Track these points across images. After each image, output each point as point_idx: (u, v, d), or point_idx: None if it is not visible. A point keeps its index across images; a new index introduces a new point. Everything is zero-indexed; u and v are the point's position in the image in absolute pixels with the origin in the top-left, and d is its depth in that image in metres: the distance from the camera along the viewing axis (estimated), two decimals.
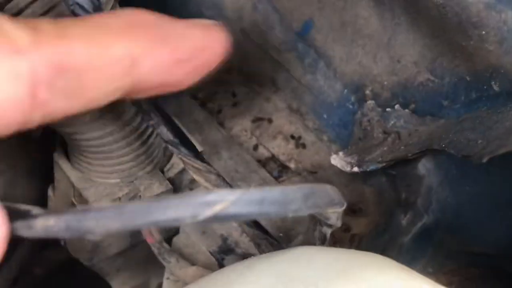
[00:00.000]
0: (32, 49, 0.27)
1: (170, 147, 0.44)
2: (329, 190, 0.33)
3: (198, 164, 0.44)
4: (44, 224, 0.27)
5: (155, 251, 0.55)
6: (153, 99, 0.38)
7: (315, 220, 0.44)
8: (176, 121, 0.61)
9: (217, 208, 0.26)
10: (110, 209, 0.26)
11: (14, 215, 0.27)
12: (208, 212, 0.26)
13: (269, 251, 0.48)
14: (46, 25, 0.28)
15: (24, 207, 0.28)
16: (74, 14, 0.38)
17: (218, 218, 0.26)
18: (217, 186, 0.45)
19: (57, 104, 0.29)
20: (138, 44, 0.31)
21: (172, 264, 0.55)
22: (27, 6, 0.43)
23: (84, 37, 0.29)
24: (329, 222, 0.40)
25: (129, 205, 0.26)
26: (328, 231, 0.43)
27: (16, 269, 0.79)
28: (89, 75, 0.29)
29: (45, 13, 0.44)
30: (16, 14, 0.44)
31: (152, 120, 0.44)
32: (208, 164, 0.45)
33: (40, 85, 0.27)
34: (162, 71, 0.32)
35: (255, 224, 0.46)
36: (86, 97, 0.30)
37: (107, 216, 0.26)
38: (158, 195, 0.54)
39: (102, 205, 0.27)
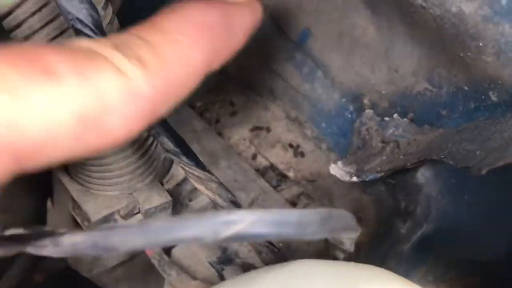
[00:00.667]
0: (147, 90, 0.33)
1: (171, 156, 0.44)
2: (345, 215, 0.33)
3: (199, 173, 0.44)
4: (71, 241, 0.27)
5: (155, 263, 0.55)
6: None
7: (328, 244, 0.44)
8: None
9: (237, 228, 0.27)
10: (135, 227, 0.27)
11: (40, 234, 0.28)
12: (228, 232, 0.27)
13: (270, 259, 0.48)
14: (147, 56, 0.34)
15: (48, 228, 0.29)
16: (74, 29, 0.38)
17: (237, 238, 0.27)
18: (219, 195, 0.45)
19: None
20: (212, 49, 0.37)
21: (172, 277, 0.54)
22: (25, 20, 0.43)
23: (177, 58, 0.35)
24: (342, 247, 0.40)
25: (153, 223, 0.27)
26: (340, 256, 0.44)
27: (17, 277, 0.79)
28: (183, 89, 0.36)
29: (44, 26, 0.44)
30: (16, 27, 0.44)
31: (153, 130, 0.44)
32: (209, 172, 0.44)
33: (155, 114, 0.34)
34: (225, 60, 0.39)
35: None
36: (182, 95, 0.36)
37: (132, 233, 0.27)
38: (157, 207, 0.54)
39: (126, 223, 0.28)
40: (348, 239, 0.38)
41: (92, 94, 0.31)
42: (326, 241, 0.53)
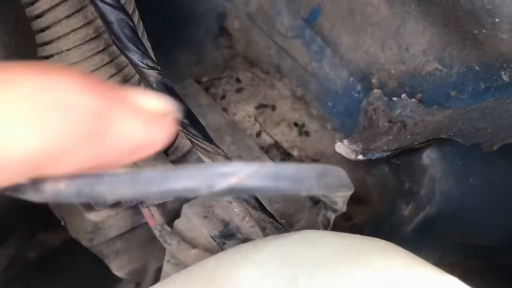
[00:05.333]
0: None
1: (179, 127, 0.44)
2: (340, 172, 0.33)
3: (206, 145, 0.45)
4: (54, 188, 0.25)
5: (156, 233, 0.55)
6: None
7: (319, 205, 0.44)
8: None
9: (232, 180, 0.26)
10: (124, 175, 0.25)
11: None
12: (223, 184, 0.25)
13: (273, 235, 0.48)
14: None
15: None
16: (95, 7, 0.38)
17: (233, 191, 0.26)
18: None
19: None
20: (64, 142, 0.23)
21: (173, 246, 0.54)
22: (50, 9, 0.43)
23: None
24: (335, 206, 0.40)
25: (144, 172, 0.25)
26: (332, 216, 0.43)
27: (10, 254, 0.79)
28: None
29: (70, 16, 0.44)
30: (38, 16, 0.44)
31: None
32: (216, 146, 0.45)
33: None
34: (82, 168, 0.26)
35: (262, 208, 0.46)
36: None
37: (121, 182, 0.25)
38: None
39: (115, 171, 0.25)
40: (341, 197, 0.37)
41: None
42: (317, 201, 0.52)
